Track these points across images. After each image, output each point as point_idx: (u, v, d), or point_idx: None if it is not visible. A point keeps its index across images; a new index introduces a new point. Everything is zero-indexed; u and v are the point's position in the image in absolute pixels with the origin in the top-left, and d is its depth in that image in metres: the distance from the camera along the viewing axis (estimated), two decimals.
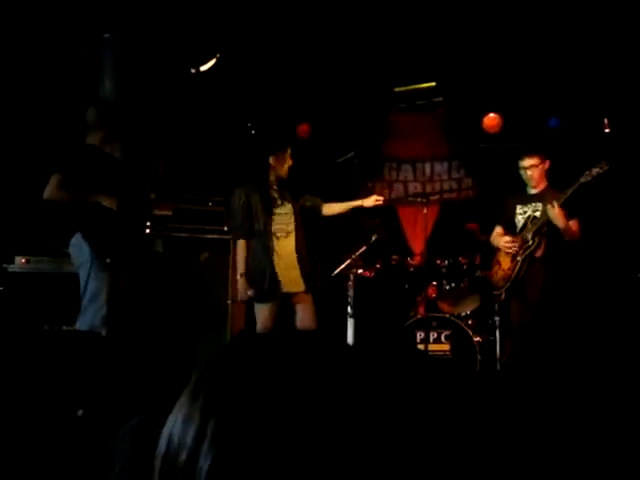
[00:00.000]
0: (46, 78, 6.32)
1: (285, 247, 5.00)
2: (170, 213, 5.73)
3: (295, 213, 5.08)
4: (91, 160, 4.68)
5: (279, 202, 5.04)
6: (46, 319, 5.20)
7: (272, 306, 4.92)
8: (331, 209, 5.32)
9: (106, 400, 3.66)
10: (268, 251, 4.92)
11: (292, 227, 5.05)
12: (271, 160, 5.03)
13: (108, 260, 4.55)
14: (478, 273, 5.85)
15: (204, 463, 0.63)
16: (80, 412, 3.59)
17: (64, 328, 5.16)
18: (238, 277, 4.99)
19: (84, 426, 3.39)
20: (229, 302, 5.84)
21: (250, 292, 4.92)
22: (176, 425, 0.67)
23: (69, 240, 4.75)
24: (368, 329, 5.94)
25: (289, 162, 5.07)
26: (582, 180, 4.79)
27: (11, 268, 5.32)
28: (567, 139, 6.71)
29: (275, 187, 5.07)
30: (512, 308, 5.18)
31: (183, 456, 0.65)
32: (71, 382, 3.76)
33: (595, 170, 4.75)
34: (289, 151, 5.08)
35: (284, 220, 5.03)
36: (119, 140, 4.95)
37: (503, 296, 5.22)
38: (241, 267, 4.97)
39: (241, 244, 4.99)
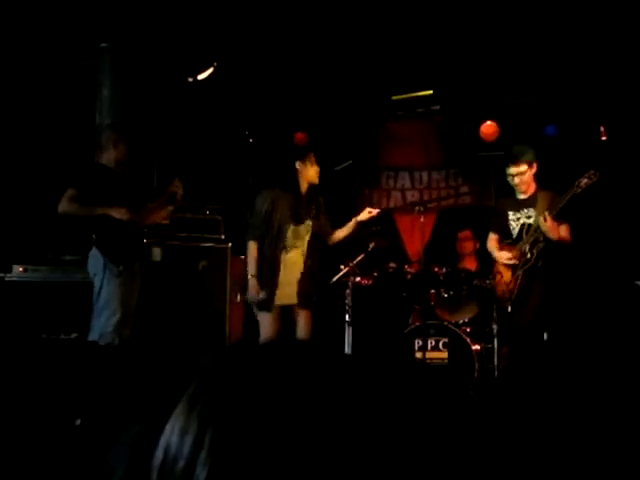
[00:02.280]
0: (44, 87, 6.32)
1: (290, 260, 4.97)
2: (168, 222, 5.73)
3: (313, 231, 5.04)
4: (103, 178, 4.89)
5: (302, 216, 5.00)
6: (44, 328, 5.19)
7: (274, 314, 4.88)
8: (336, 238, 5.23)
9: (104, 409, 3.66)
10: (276, 260, 4.90)
11: (301, 243, 5.01)
12: (297, 165, 4.98)
13: (121, 268, 4.73)
14: (476, 281, 5.84)
15: (201, 473, 0.63)
16: (78, 421, 3.58)
17: (62, 337, 5.15)
18: (249, 277, 4.90)
19: (82, 435, 3.39)
20: (238, 299, 5.77)
21: (262, 294, 4.85)
22: (173, 435, 0.67)
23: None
24: (366, 337, 5.93)
25: (316, 167, 5.02)
26: (572, 192, 4.78)
27: (9, 277, 5.32)
28: (564, 147, 6.72)
29: (304, 198, 5.01)
30: (516, 317, 5.18)
31: (180, 466, 0.65)
32: (69, 391, 3.76)
33: (584, 181, 4.74)
34: (312, 156, 5.03)
35: (299, 234, 4.99)
36: (130, 161, 5.11)
37: (510, 309, 5.21)
38: (252, 268, 4.89)
39: (252, 245, 4.92)
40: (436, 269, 5.96)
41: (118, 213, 4.72)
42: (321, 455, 0.63)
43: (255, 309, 4.98)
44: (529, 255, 5.02)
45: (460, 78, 7.14)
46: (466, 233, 6.92)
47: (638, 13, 5.68)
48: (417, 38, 6.43)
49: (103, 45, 6.08)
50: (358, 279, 5.97)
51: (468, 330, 5.78)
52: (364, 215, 5.18)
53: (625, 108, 6.65)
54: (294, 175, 5.00)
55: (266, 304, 4.87)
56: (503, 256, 5.23)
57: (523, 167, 5.07)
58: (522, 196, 5.19)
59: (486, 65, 6.85)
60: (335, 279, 5.91)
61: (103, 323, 4.68)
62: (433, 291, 5.97)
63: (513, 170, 5.09)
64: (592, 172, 4.74)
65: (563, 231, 4.95)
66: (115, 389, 3.97)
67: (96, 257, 4.79)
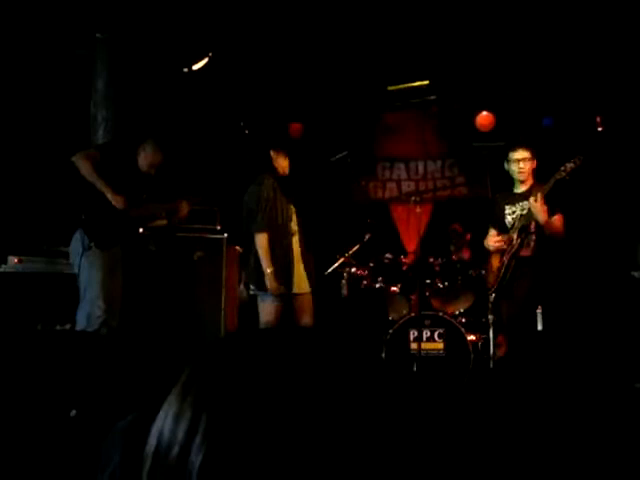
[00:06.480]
0: (39, 78, 6.30)
1: (295, 245, 4.96)
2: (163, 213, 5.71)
3: (296, 213, 5.02)
4: (124, 165, 4.86)
5: (289, 200, 5.00)
6: (39, 319, 5.18)
7: (280, 303, 4.85)
8: None
9: (99, 400, 3.66)
10: (289, 247, 4.88)
11: (296, 227, 4.99)
12: (272, 153, 4.96)
13: (92, 244, 4.64)
14: (471, 272, 5.85)
15: (196, 458, 0.63)
16: (73, 412, 3.58)
17: (57, 328, 5.15)
18: (267, 272, 4.77)
19: (77, 426, 3.39)
20: (244, 295, 5.72)
21: (282, 290, 4.80)
22: (167, 421, 0.67)
23: (62, 240, 4.85)
24: (361, 328, 5.95)
25: (286, 161, 5.01)
26: (557, 177, 4.79)
27: (4, 268, 5.30)
28: (560, 138, 6.72)
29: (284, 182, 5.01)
30: (502, 307, 5.19)
31: (174, 452, 0.65)
32: (64, 382, 3.76)
33: (569, 165, 4.76)
34: (284, 152, 5.02)
35: (293, 219, 4.99)
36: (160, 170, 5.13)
37: (493, 295, 5.22)
38: (268, 262, 4.77)
39: (263, 237, 4.81)
40: (432, 260, 5.97)
41: (114, 199, 4.63)
42: (315, 441, 0.63)
43: (260, 298, 4.92)
44: (515, 241, 5.02)
45: (456, 68, 7.13)
46: (455, 226, 6.93)
47: (633, 5, 5.69)
48: (413, 28, 6.41)
49: (98, 36, 6.06)
50: (354, 270, 5.98)
51: (463, 321, 5.80)
52: None
53: (621, 99, 6.65)
54: (269, 162, 4.97)
55: (285, 294, 4.84)
56: (491, 240, 5.23)
57: (528, 153, 5.05)
58: (520, 189, 5.17)
59: (482, 55, 6.84)
60: (331, 270, 5.92)
61: (88, 310, 4.61)
62: (429, 282, 5.98)
63: (519, 154, 5.03)
64: (577, 157, 4.77)
65: (556, 220, 4.95)
66: (110, 379, 3.96)
67: (77, 241, 4.71)
